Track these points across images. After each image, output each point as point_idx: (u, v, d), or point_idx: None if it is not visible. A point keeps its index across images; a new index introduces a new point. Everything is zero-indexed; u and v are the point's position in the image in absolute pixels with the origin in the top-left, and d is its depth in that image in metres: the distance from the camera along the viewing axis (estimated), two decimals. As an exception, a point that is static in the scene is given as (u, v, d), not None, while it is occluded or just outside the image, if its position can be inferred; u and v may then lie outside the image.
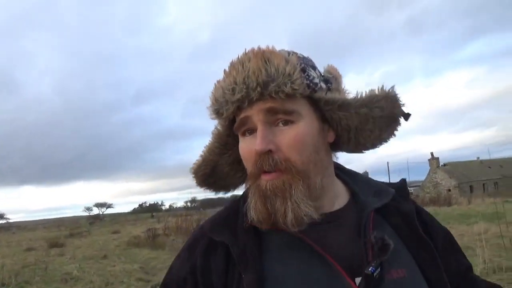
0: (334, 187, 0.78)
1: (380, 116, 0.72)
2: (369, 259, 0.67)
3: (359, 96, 0.71)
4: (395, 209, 0.78)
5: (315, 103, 0.71)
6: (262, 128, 0.67)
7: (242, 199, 0.78)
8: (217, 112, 0.72)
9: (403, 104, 0.73)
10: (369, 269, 0.64)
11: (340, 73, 0.78)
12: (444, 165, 47.46)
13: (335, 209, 0.75)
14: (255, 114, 0.68)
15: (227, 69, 0.71)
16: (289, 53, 0.71)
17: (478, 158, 47.31)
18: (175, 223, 14.58)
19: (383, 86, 0.72)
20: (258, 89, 0.65)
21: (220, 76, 0.71)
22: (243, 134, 0.72)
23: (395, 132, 0.77)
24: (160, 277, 7.36)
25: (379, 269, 0.65)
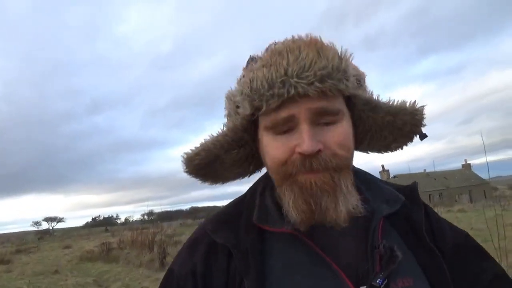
0: None
1: (400, 128, 0.72)
2: (376, 270, 0.63)
3: (390, 103, 0.70)
4: (404, 216, 0.73)
5: (349, 100, 0.68)
6: (308, 128, 0.61)
7: (249, 197, 0.75)
8: (252, 104, 0.63)
9: (424, 125, 0.73)
10: (377, 281, 0.61)
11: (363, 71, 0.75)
12: (394, 177, 49.97)
13: None
14: (302, 112, 0.61)
15: (267, 55, 0.64)
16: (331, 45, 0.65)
17: (425, 170, 50.19)
18: (130, 237, 14.41)
19: (415, 101, 0.70)
20: (316, 84, 0.58)
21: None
22: (277, 133, 0.64)
23: (404, 147, 0.77)
24: (113, 289, 7.44)
25: (386, 280, 0.62)
